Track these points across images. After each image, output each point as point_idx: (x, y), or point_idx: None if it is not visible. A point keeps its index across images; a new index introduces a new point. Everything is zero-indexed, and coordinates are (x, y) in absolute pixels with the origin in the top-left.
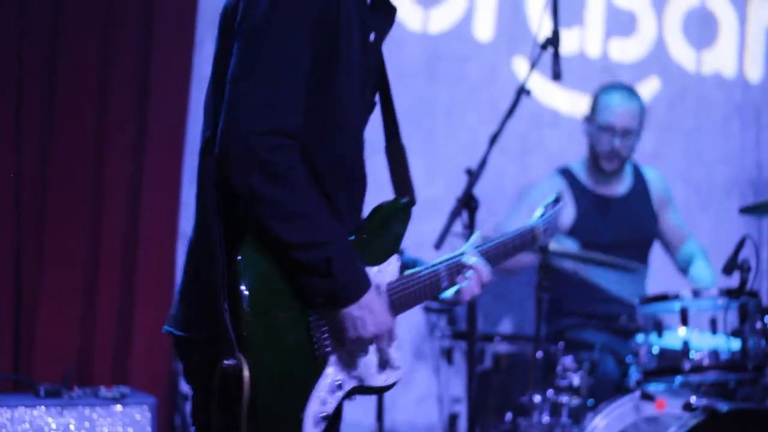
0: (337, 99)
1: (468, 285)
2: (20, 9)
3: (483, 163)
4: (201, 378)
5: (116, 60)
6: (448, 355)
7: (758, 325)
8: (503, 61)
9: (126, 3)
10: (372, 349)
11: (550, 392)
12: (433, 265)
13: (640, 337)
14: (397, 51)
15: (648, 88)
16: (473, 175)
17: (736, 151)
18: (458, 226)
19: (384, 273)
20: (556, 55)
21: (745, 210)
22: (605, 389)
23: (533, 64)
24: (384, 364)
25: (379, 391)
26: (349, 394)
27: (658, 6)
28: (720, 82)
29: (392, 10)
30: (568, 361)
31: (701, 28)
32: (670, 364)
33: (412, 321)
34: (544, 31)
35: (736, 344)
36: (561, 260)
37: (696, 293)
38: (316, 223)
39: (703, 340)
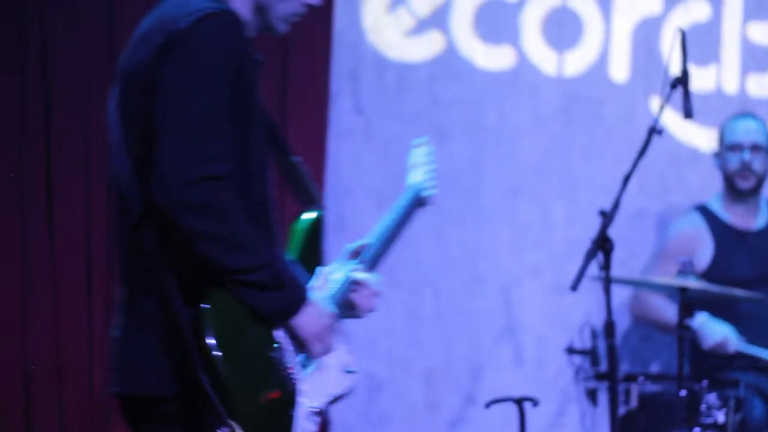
0: (253, 146)
1: (364, 302)
2: None
3: (617, 204)
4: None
5: None
6: (592, 396)
7: None
8: (640, 102)
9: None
10: (328, 361)
11: (696, 430)
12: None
13: None
14: (533, 94)
15: None
16: (607, 217)
17: None
18: (594, 268)
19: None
20: (686, 94)
21: None
22: (753, 427)
23: (665, 103)
24: (341, 368)
25: (342, 398)
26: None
27: None
28: None
29: (259, 64)
30: (712, 398)
31: None
32: None
33: (558, 364)
34: (676, 70)
35: None
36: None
37: None
38: (260, 247)
39: None
